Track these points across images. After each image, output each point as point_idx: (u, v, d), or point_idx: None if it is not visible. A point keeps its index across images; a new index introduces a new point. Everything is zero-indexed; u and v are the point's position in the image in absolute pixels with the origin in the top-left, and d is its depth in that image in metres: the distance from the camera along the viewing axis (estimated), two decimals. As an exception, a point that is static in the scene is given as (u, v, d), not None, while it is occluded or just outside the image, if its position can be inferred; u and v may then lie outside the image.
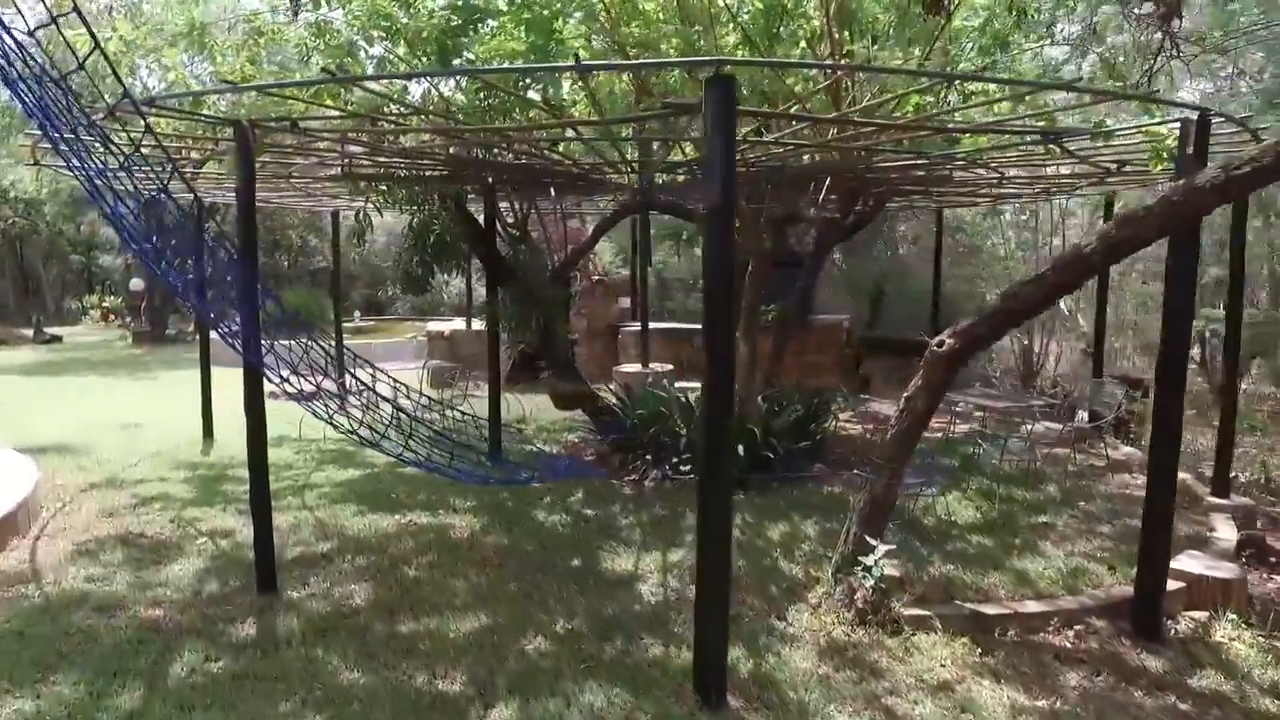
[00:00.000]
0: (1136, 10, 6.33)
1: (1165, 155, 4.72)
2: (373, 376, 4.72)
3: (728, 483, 3.46)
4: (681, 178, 7.95)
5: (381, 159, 6.48)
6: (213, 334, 11.27)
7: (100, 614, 4.42)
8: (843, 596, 4.65)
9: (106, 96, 3.58)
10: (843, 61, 5.99)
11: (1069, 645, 4.34)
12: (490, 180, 7.43)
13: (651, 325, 13.14)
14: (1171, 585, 4.64)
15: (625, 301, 13.93)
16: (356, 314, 17.47)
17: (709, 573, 3.52)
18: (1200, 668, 4.12)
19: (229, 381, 10.96)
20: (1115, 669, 4.07)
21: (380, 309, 20.60)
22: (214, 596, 4.66)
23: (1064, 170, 7.34)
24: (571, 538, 5.72)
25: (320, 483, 7.02)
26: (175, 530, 5.77)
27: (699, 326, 11.99)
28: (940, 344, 4.51)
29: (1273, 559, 6.03)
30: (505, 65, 4.89)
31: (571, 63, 5.94)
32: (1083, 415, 9.77)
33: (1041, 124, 5.05)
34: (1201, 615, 4.68)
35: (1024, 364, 11.94)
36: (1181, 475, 7.33)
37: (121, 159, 3.56)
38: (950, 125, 5.03)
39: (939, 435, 8.57)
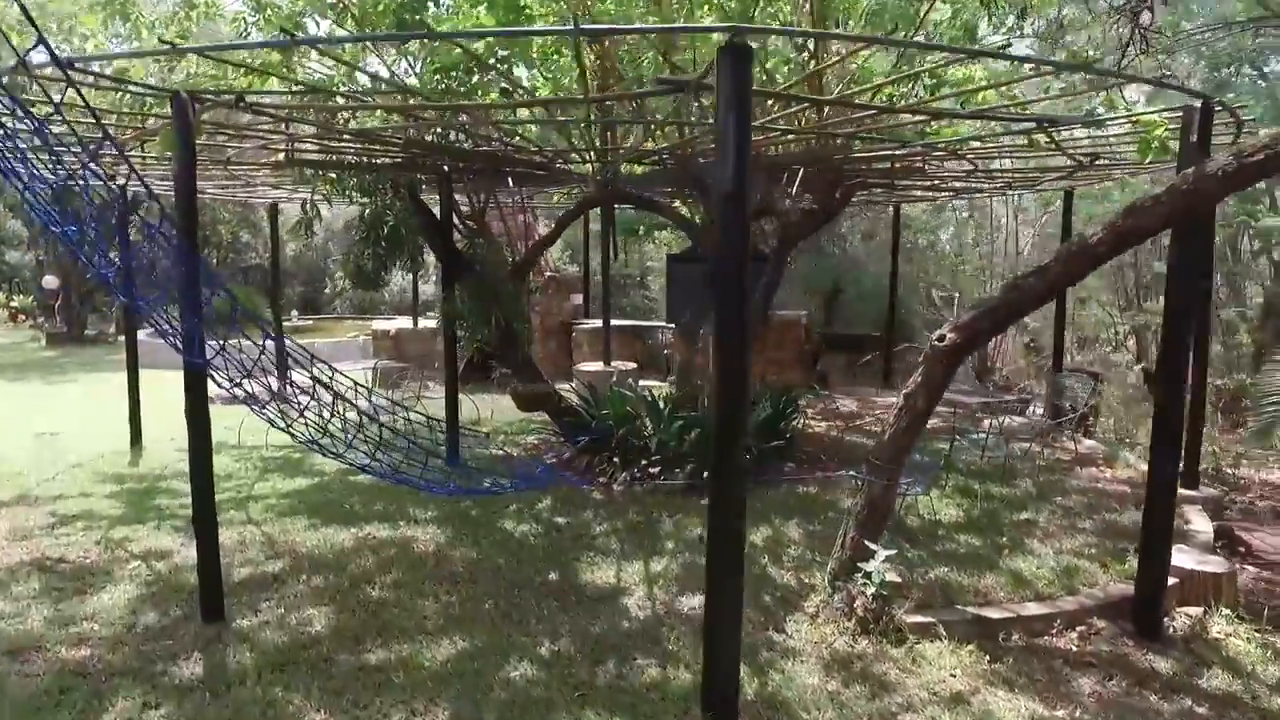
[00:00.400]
0: (1106, 2, 6.30)
1: (1155, 145, 4.65)
2: (332, 379, 4.26)
3: (741, 494, 3.18)
4: (639, 169, 7.69)
5: (332, 143, 5.99)
6: (141, 333, 10.54)
7: (10, 659, 3.86)
8: (842, 604, 4.43)
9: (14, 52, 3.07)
10: (824, 47, 5.79)
11: (1074, 648, 4.20)
12: (446, 169, 6.99)
13: (601, 323, 12.83)
14: (1166, 581, 4.56)
15: (577, 298, 13.57)
16: (294, 313, 16.61)
17: (720, 590, 3.23)
18: (1206, 667, 4.03)
19: (159, 384, 10.31)
20: (1126, 672, 3.95)
21: (318, 308, 19.70)
22: (151, 630, 4.13)
23: (1032, 163, 7.31)
24: (545, 548, 5.36)
25: (265, 493, 6.47)
26: (102, 553, 5.17)
27: (653, 324, 11.69)
28: (941, 339, 4.33)
29: (1242, 549, 6.10)
30: (482, 41, 4.45)
31: (543, 42, 5.60)
32: (1036, 410, 9.88)
33: (1034, 112, 4.91)
34: (1196, 611, 4.62)
35: (978, 359, 12.03)
36: (1146, 467, 7.44)
37: (35, 127, 3.05)
38: (950, 111, 4.85)
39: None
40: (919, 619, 4.31)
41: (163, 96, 4.19)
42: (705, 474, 6.76)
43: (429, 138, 6.18)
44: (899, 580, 4.42)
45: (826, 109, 5.33)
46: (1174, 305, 4.28)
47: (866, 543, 4.42)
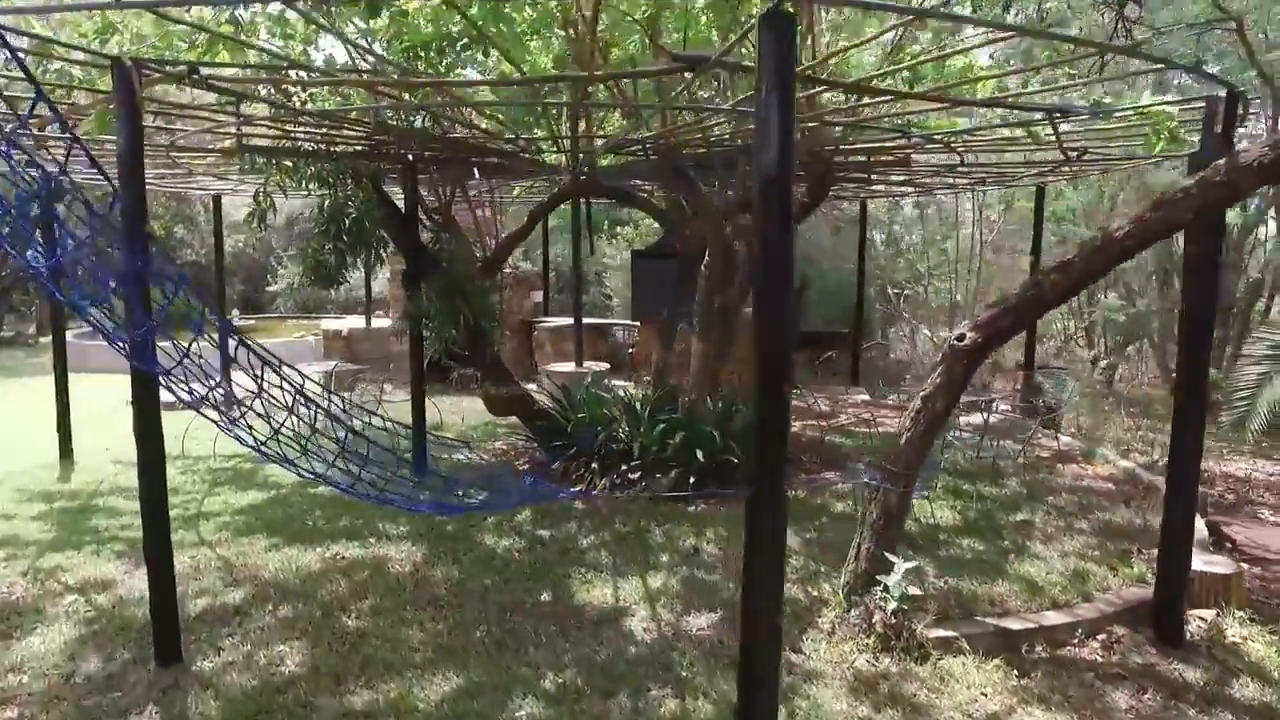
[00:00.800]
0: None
1: (1167, 136, 4.53)
2: (302, 385, 3.78)
3: (781, 509, 2.87)
4: (612, 161, 7.34)
5: (288, 127, 5.48)
6: (69, 333, 9.71)
7: (-73, 716, 3.34)
8: (860, 620, 4.18)
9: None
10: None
11: (1100, 659, 4.04)
12: (411, 159, 6.52)
13: (565, 321, 12.44)
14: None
15: (537, 295, 13.15)
16: (235, 312, 15.72)
17: (758, 613, 2.91)
18: (1235, 676, 3.91)
19: (90, 389, 9.52)
20: (1158, 684, 3.80)
21: (259, 306, 18.74)
22: (95, 679, 3.61)
23: (1015, 157, 7.22)
24: (531, 565, 4.98)
25: (217, 509, 5.92)
26: (31, 586, 4.59)
27: (615, 321, 11.26)
28: (960, 338, 4.11)
29: (1229, 545, 6.09)
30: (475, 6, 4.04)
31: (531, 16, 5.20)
32: (1000, 406, 9.88)
33: (1049, 101, 4.75)
34: (1208, 614, 4.52)
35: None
36: (1125, 463, 7.45)
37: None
38: (969, 99, 4.64)
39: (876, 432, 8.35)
40: (940, 633, 4.10)
41: (101, 67, 3.68)
42: (691, 479, 6.48)
43: (394, 122, 5.72)
44: (919, 593, 4.20)
45: (823, 96, 5.08)
46: (1194, 304, 4.15)
47: (886, 555, 4.18)
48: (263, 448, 3.29)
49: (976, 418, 8.53)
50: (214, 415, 3.20)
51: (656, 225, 13.43)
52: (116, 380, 11.07)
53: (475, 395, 10.29)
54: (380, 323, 12.05)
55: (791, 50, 2.67)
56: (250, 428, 3.50)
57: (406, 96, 5.14)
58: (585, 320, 13.13)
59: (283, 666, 3.70)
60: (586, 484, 6.67)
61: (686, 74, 3.96)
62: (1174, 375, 10.07)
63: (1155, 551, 5.17)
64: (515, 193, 11.43)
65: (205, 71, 3.77)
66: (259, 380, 3.43)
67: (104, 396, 9.74)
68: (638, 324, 11.82)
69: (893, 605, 4.06)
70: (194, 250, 17.63)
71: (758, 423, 2.82)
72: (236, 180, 7.71)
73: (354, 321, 12.33)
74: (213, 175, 7.39)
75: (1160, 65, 4.18)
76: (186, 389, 3.25)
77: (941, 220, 13.84)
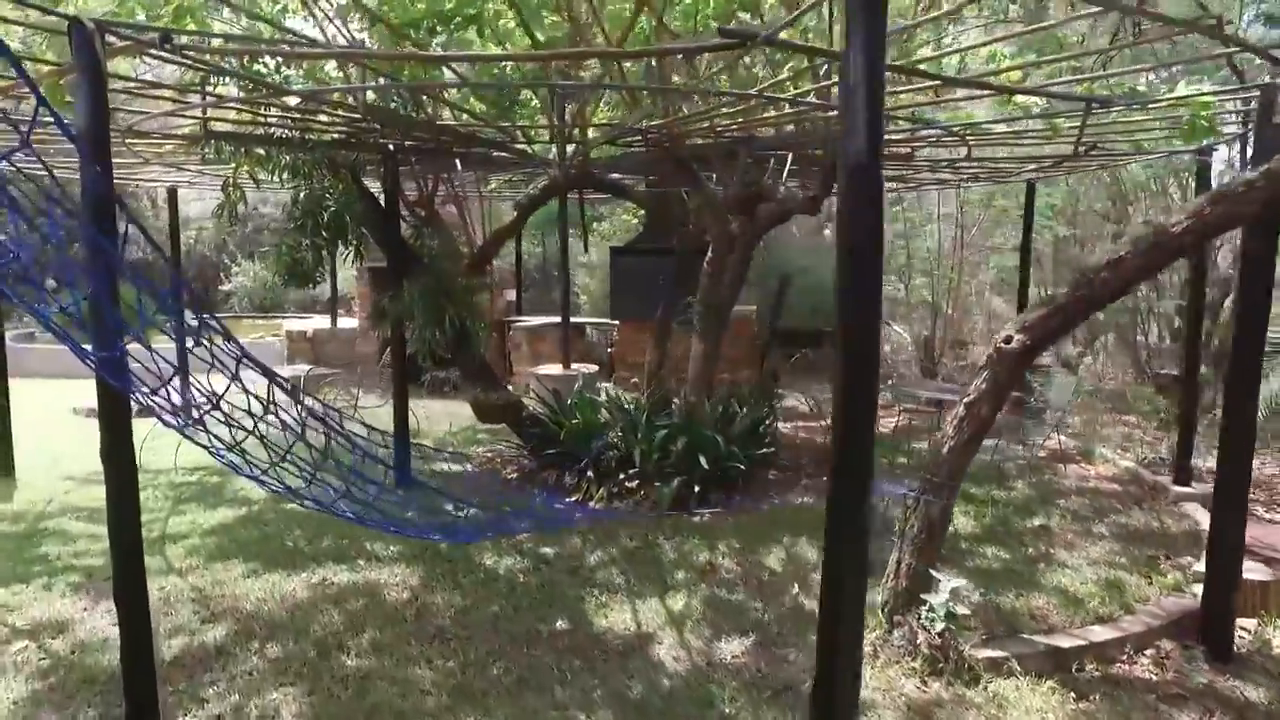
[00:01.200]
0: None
1: (1205, 126, 4.36)
2: (302, 402, 3.32)
3: (864, 526, 2.55)
4: (602, 152, 6.97)
5: (262, 111, 5.00)
6: (8, 334, 8.93)
7: None
8: (904, 641, 3.91)
9: None
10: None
11: (1154, 677, 3.85)
12: (392, 148, 6.06)
13: (541, 320, 12.02)
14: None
15: (509, 294, 12.69)
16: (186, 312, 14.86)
17: (838, 658, 2.60)
18: (1295, 691, 3.75)
19: (33, 397, 8.77)
20: (1224, 706, 3.61)
21: (211, 307, 17.83)
22: (58, 739, 3.15)
23: (1016, 151, 7.06)
24: (540, 588, 4.61)
25: (184, 530, 5.39)
26: (-25, 626, 4.06)
27: (599, 321, 10.76)
28: (1007, 340, 3.87)
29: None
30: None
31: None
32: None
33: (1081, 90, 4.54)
34: (1249, 623, 4.38)
35: (924, 352, 11.95)
36: (1128, 464, 7.36)
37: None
38: (1010, 86, 4.39)
39: (884, 431, 8.16)
40: (989, 653, 3.86)
41: (52, 32, 3.19)
42: (696, 488, 6.16)
43: (379, 104, 5.26)
44: (966, 611, 3.95)
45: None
46: (1246, 305, 3.97)
47: (932, 572, 3.93)
48: (264, 476, 2.85)
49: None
50: (205, 440, 2.74)
51: (634, 221, 13.13)
52: (60, 386, 10.35)
53: (450, 399, 9.87)
54: (347, 323, 11.46)
55: (882, 26, 2.36)
56: (245, 454, 3.04)
57: (397, 77, 4.69)
58: (559, 320, 12.74)
59: (279, 719, 3.27)
60: (583, 494, 6.32)
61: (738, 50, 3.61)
62: (1155, 374, 10.16)
63: (1184, 559, 5.06)
64: (491, 185, 10.97)
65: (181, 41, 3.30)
66: (267, 402, 2.97)
67: (50, 405, 9.02)
68: (617, 323, 11.46)
69: (939, 625, 3.81)
70: (139, 246, 16.68)
71: (839, 444, 2.50)
72: (196, 171, 7.13)
73: (319, 322, 11.70)
74: (169, 165, 6.80)
75: (1236, 49, 3.95)
76: (171, 410, 2.78)
77: (916, 216, 13.75)
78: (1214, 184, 6.27)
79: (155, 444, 6.20)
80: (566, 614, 4.27)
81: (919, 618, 3.91)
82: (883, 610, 4.12)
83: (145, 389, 2.51)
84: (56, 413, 8.79)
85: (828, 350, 12.38)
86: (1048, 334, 3.88)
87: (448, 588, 4.56)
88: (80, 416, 8.90)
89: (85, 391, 9.92)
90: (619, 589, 4.61)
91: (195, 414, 2.88)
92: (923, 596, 3.92)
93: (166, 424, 2.53)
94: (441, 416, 8.86)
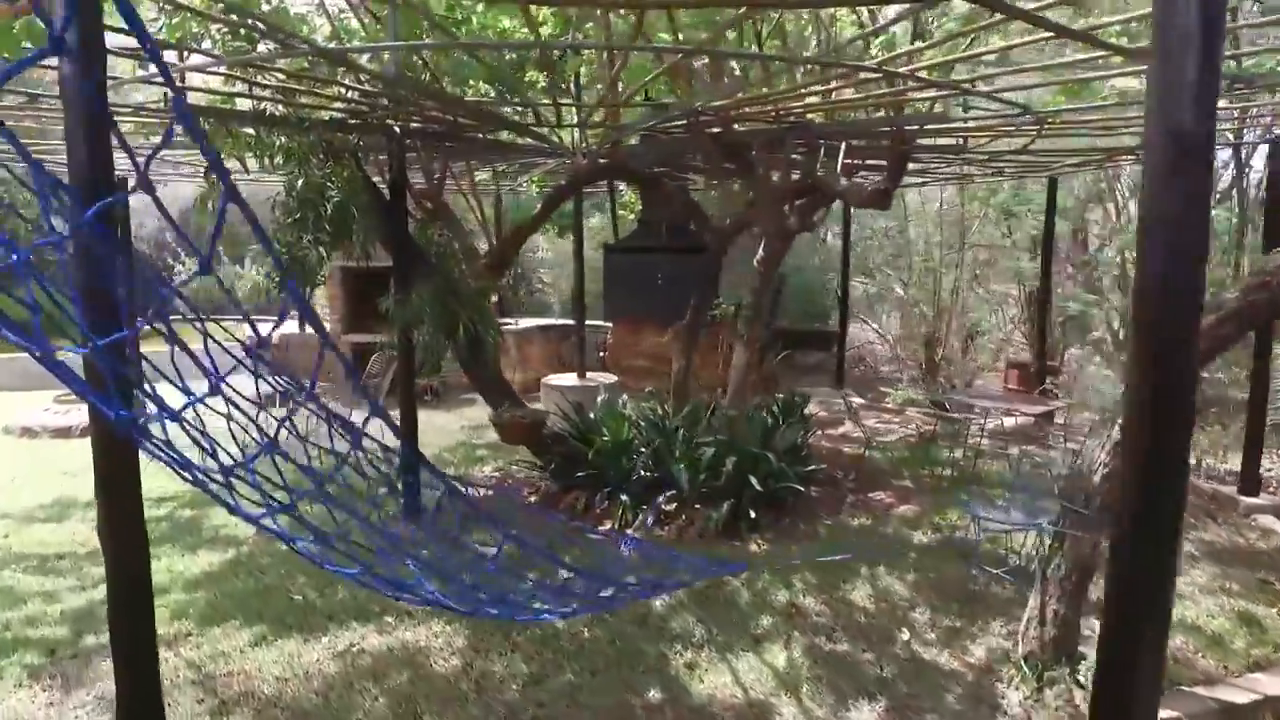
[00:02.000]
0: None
1: None
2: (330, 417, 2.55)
3: (1171, 570, 1.97)
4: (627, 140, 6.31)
5: (247, 79, 4.17)
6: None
7: None
8: (1060, 701, 3.37)
9: None
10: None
11: (1336, 732, 3.40)
12: (399, 130, 5.28)
13: (526, 323, 11.29)
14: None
15: (493, 295, 11.89)
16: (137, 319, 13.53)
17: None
18: None
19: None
20: None
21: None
22: None
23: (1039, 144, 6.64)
24: (611, 644, 3.93)
25: (163, 581, 4.51)
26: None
27: (573, 322, 9.80)
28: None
29: None
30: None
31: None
32: (1022, 409, 9.47)
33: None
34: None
35: (926, 357, 11.57)
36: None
37: None
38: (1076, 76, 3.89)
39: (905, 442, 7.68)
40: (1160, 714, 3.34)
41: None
42: (753, 513, 5.51)
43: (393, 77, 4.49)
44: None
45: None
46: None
47: (1088, 619, 3.39)
48: (360, 568, 2.10)
49: (991, 422, 8.03)
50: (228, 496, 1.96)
51: (628, 218, 12.42)
52: (22, 397, 9.09)
53: (432, 409, 9.05)
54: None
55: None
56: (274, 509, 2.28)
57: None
58: (545, 321, 11.99)
59: None
60: (617, 521, 5.66)
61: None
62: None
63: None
64: (496, 165, 10.14)
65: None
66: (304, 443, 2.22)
67: (15, 416, 7.90)
68: (610, 325, 10.79)
69: (1106, 685, 3.27)
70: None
71: (1138, 484, 1.90)
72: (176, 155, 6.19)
73: (288, 327, 10.63)
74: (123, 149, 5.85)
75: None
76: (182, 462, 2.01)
77: (893, 214, 13.40)
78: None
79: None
80: (656, 680, 3.60)
81: (1075, 673, 3.38)
82: (1025, 663, 3.59)
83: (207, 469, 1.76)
84: (20, 439, 7.65)
85: (821, 351, 12.02)
86: (1218, 341, 3.37)
87: (503, 649, 3.84)
88: (13, 437, 7.80)
89: (18, 405, 8.78)
90: (702, 641, 3.96)
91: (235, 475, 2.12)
92: (1074, 647, 3.39)
93: (238, 513, 1.77)
94: (426, 430, 8.06)
